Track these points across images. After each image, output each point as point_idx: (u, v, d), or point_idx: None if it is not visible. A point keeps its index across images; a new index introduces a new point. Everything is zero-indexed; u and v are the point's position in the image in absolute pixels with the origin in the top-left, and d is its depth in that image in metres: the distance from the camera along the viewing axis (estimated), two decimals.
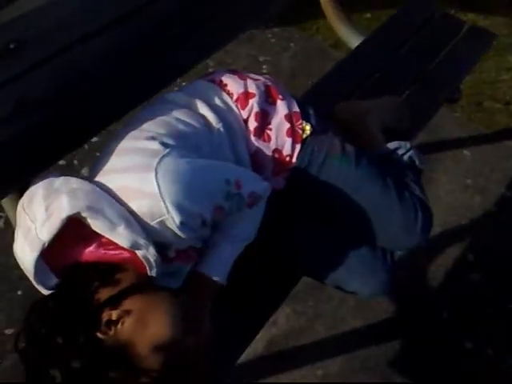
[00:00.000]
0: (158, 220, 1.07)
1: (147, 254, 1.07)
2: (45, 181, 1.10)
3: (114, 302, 1.04)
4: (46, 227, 1.03)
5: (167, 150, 1.12)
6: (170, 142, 1.17)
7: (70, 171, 2.17)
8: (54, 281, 1.08)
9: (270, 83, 1.43)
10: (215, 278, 1.25)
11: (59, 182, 1.09)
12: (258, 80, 1.42)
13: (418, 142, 2.64)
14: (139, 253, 1.07)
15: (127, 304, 1.04)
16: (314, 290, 2.02)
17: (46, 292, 1.09)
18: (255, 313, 1.39)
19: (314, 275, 1.46)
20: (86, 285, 1.05)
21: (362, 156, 1.44)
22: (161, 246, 1.12)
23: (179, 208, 1.07)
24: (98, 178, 1.13)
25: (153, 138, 1.16)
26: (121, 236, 1.04)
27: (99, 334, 1.00)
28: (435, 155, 2.70)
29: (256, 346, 1.86)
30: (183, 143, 1.20)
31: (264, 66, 2.93)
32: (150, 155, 1.11)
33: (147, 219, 1.07)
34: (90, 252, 1.07)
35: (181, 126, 1.24)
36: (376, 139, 1.64)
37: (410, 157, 1.58)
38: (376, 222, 1.42)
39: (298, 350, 1.91)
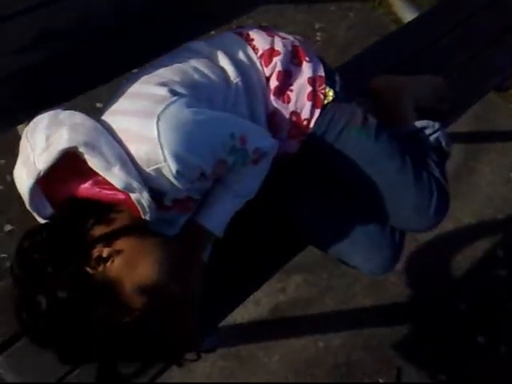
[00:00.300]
0: (155, 167, 1.07)
1: (141, 198, 1.07)
2: (51, 112, 1.12)
3: (106, 239, 1.05)
4: (43, 157, 1.04)
5: (175, 97, 1.11)
6: (181, 90, 1.17)
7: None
8: (49, 210, 1.09)
9: (298, 44, 1.40)
10: (212, 230, 1.25)
11: (64, 114, 1.10)
12: (286, 39, 1.39)
13: (467, 129, 2.57)
14: (133, 196, 1.07)
15: (119, 244, 1.05)
16: (329, 264, 1.99)
17: (41, 220, 1.12)
18: (252, 273, 1.38)
19: (317, 244, 1.43)
20: (81, 219, 1.07)
21: (383, 131, 1.40)
22: (156, 193, 1.12)
23: (177, 157, 1.06)
24: (103, 117, 1.13)
25: (164, 85, 1.15)
26: (115, 176, 1.05)
27: (88, 269, 1.01)
28: (482, 145, 2.61)
29: (261, 310, 1.87)
30: (195, 93, 1.19)
31: (318, 34, 2.86)
32: (156, 101, 1.10)
33: (143, 165, 1.07)
34: (86, 188, 1.08)
35: (196, 76, 1.23)
36: (406, 116, 1.58)
37: (436, 138, 1.52)
38: (388, 200, 1.38)
39: (302, 319, 1.90)
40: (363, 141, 1.37)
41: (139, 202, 1.08)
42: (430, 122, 1.53)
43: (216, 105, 1.23)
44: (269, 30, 1.41)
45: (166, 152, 1.05)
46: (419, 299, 2.05)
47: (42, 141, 1.06)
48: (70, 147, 1.03)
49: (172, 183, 1.10)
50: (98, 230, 1.06)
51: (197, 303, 1.22)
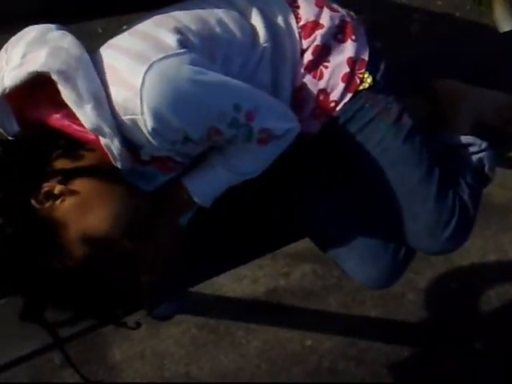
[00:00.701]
0: (130, 117, 0.97)
1: (111, 144, 0.98)
2: (43, 26, 1.03)
3: (64, 174, 0.99)
4: (12, 74, 0.97)
5: (181, 50, 0.99)
6: (195, 41, 1.05)
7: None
8: (15, 128, 1.03)
9: (348, 19, 1.24)
10: (194, 195, 1.14)
11: (53, 34, 1.02)
12: (336, 12, 1.24)
13: None
14: (102, 140, 0.98)
15: (77, 184, 0.99)
16: None
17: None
18: (237, 247, 1.29)
19: (315, 240, 1.32)
20: (47, 147, 1.01)
21: (416, 135, 1.23)
22: (132, 144, 1.02)
23: (155, 114, 0.95)
24: (101, 49, 1.05)
25: (176, 31, 1.04)
26: (86, 115, 0.96)
27: (34, 201, 0.95)
28: None
29: (256, 289, 1.76)
30: (210, 48, 1.07)
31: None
32: (158, 47, 0.99)
33: (120, 111, 0.97)
34: (56, 118, 1.00)
35: (218, 29, 1.10)
36: (458, 127, 1.40)
37: (480, 158, 1.33)
38: (401, 209, 1.23)
39: (297, 311, 1.78)
40: (389, 139, 1.22)
41: (109, 148, 0.99)
42: (478, 140, 1.35)
43: (234, 65, 1.11)
44: None
45: (145, 105, 0.94)
46: (432, 324, 1.88)
47: (18, 57, 0.99)
48: (41, 71, 0.95)
49: (147, 138, 0.99)
50: (60, 164, 0.99)
51: (158, 266, 1.14)
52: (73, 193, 0.97)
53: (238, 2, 1.19)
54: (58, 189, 0.96)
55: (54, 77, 0.95)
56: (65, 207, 0.97)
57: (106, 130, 0.97)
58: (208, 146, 1.11)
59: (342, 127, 1.22)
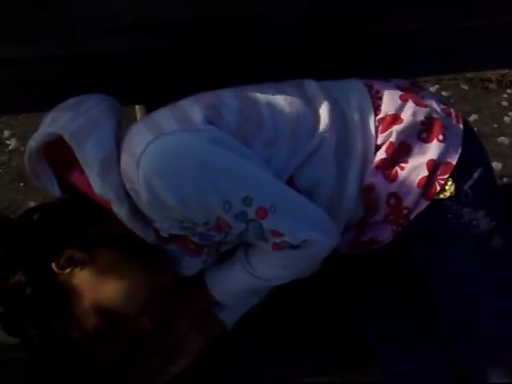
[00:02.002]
0: (132, 185, 0.92)
1: (119, 212, 0.94)
2: (90, 94, 1.03)
3: (86, 242, 0.96)
4: (36, 135, 0.98)
5: (204, 127, 0.93)
6: (230, 120, 0.97)
7: None
8: (58, 191, 1.04)
9: (437, 116, 1.09)
10: (212, 292, 1.08)
11: (91, 101, 1.02)
12: (423, 107, 1.09)
13: None
14: (113, 207, 0.94)
15: (99, 253, 0.97)
16: None
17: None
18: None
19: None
20: (80, 212, 1.00)
21: (509, 263, 1.04)
22: (146, 217, 0.97)
23: (148, 187, 0.89)
24: None
25: (208, 106, 0.97)
26: (93, 180, 0.93)
27: (54, 265, 0.95)
28: None
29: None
30: (249, 130, 0.99)
31: None
32: (179, 121, 0.94)
33: (125, 179, 0.93)
34: (84, 183, 0.97)
35: (265, 111, 1.01)
36: None
37: None
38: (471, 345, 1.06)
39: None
40: (467, 260, 1.03)
41: (120, 217, 0.94)
42: None
43: (278, 153, 1.01)
44: (410, 91, 1.12)
45: (140, 175, 0.88)
46: None
47: (49, 120, 1.00)
48: (56, 133, 0.95)
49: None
50: (93, 231, 0.98)
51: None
52: (93, 261, 0.96)
53: (310, 89, 1.09)
54: (78, 256, 0.95)
55: (66, 139, 0.94)
56: (83, 275, 0.95)
57: (112, 196, 0.93)
58: (234, 235, 1.01)
59: (414, 239, 1.07)
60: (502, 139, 2.33)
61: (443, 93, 2.50)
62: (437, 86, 2.53)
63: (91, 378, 1.02)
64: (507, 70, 2.56)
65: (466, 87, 2.54)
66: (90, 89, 1.04)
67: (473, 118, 2.40)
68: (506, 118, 2.43)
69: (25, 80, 1.15)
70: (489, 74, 2.58)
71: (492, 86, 2.56)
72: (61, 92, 1.03)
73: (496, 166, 2.17)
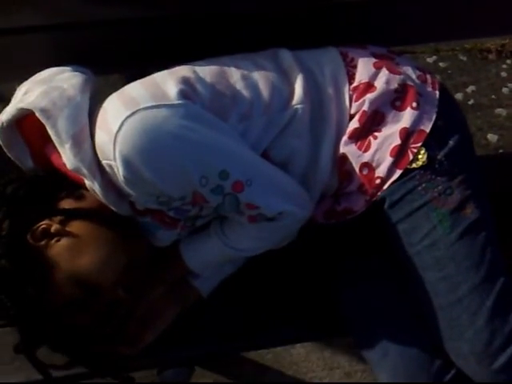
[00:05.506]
0: (107, 161, 0.92)
1: (92, 186, 0.95)
2: (62, 67, 1.04)
3: (62, 215, 0.98)
4: (8, 109, 0.98)
5: (178, 101, 0.92)
6: (204, 94, 0.97)
7: None
8: (30, 163, 1.04)
9: (411, 83, 1.07)
10: (187, 263, 1.09)
11: (65, 75, 1.02)
12: (398, 74, 1.08)
13: None
14: (86, 182, 0.95)
15: (74, 225, 0.98)
16: None
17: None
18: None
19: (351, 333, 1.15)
20: (52, 185, 1.00)
21: (483, 231, 1.04)
22: (121, 190, 0.97)
23: (126, 163, 0.89)
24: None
25: (183, 81, 0.97)
26: (66, 154, 0.93)
27: (29, 237, 0.95)
28: None
29: None
30: (223, 104, 0.99)
31: None
32: (154, 96, 0.93)
33: (99, 154, 0.93)
34: (56, 157, 0.99)
35: (238, 85, 1.01)
36: None
37: None
38: (444, 321, 1.05)
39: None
40: (441, 231, 1.03)
41: (93, 190, 0.95)
42: None
43: (254, 126, 1.01)
44: (385, 58, 1.11)
45: (117, 151, 0.88)
46: None
47: (21, 94, 1.00)
48: (27, 108, 0.95)
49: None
50: (64, 204, 0.98)
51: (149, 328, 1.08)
52: (68, 233, 0.96)
53: (286, 62, 1.08)
54: (54, 228, 0.96)
55: (37, 114, 0.93)
56: (58, 247, 0.96)
57: (85, 171, 0.93)
58: (210, 209, 1.02)
59: (386, 210, 1.06)
60: (499, 111, 2.29)
61: (441, 64, 2.45)
62: (434, 56, 2.48)
63: (73, 346, 1.05)
64: (507, 40, 2.51)
65: (465, 58, 2.50)
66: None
67: (470, 89, 2.36)
68: (505, 89, 2.39)
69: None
70: (488, 44, 2.52)
71: (491, 56, 2.51)
72: None
73: (492, 137, 2.15)
